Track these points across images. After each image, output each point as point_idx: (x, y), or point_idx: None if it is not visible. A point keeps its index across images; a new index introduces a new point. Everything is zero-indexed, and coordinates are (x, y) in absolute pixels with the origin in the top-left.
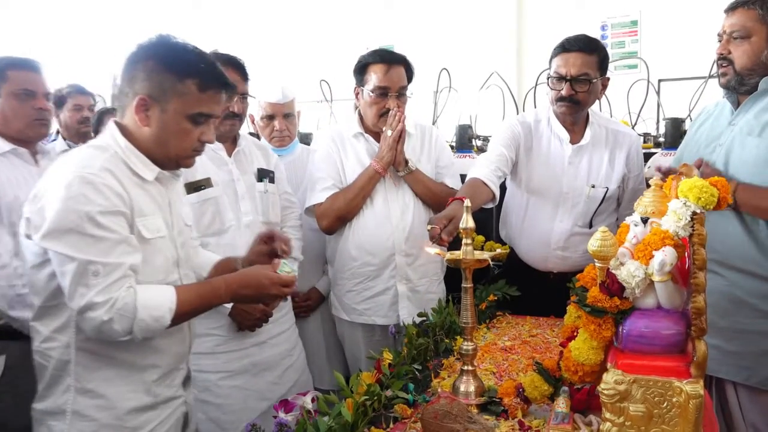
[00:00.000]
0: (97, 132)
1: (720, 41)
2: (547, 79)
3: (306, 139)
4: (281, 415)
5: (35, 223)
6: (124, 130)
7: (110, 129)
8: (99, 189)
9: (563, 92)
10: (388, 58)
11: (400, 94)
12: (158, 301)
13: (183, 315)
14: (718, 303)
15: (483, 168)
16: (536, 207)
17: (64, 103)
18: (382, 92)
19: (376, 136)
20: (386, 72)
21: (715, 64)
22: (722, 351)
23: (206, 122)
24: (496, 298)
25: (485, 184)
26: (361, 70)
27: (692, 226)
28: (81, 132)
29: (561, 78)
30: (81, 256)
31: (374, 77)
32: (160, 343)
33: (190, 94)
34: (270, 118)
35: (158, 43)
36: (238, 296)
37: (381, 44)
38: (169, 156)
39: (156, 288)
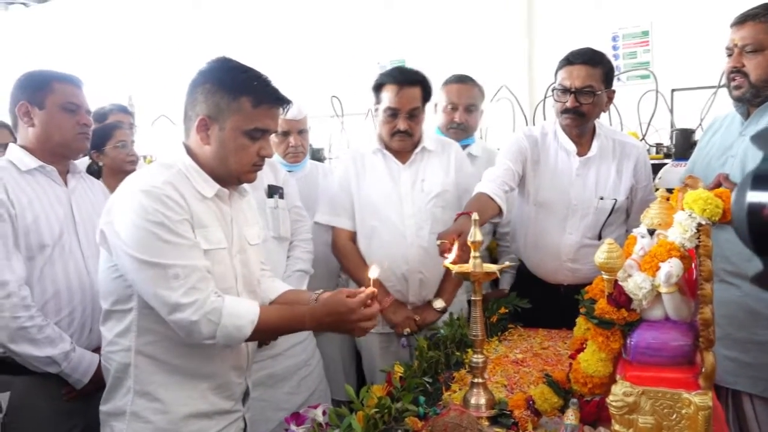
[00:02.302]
0: None
1: (729, 55)
2: (553, 91)
3: (318, 154)
4: (293, 427)
5: (108, 236)
6: (188, 150)
7: (177, 149)
8: (163, 201)
9: (568, 104)
10: (400, 79)
11: (412, 115)
12: (242, 312)
13: (263, 331)
14: (734, 314)
15: (489, 183)
16: (545, 220)
17: (105, 120)
18: (393, 113)
19: (394, 152)
20: (397, 93)
21: (726, 77)
22: (738, 362)
23: (263, 137)
24: (507, 310)
25: (491, 198)
26: (377, 88)
27: (698, 238)
28: None
29: (566, 90)
30: (159, 260)
31: (386, 97)
32: (216, 353)
33: (245, 111)
34: (285, 134)
35: (214, 67)
36: (323, 324)
37: (391, 59)
38: (230, 172)
39: (242, 300)
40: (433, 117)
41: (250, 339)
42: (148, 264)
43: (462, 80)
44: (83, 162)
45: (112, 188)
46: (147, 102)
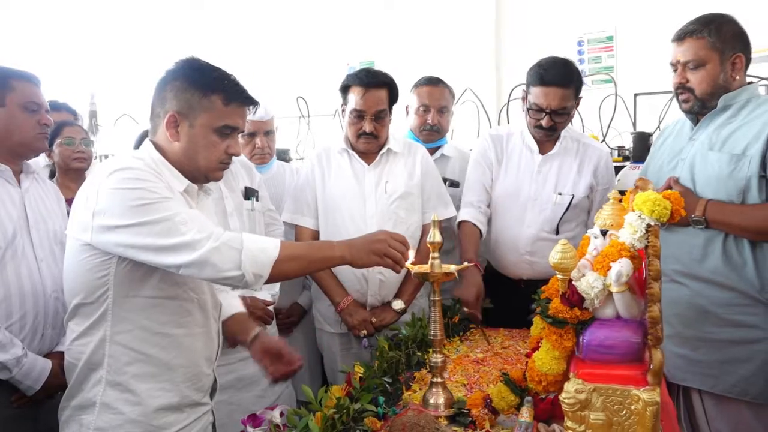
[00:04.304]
0: None
1: (674, 70)
2: (527, 107)
3: (284, 155)
4: (249, 429)
5: (87, 222)
6: (156, 146)
7: (144, 145)
8: (141, 175)
9: (543, 123)
10: (366, 81)
11: (378, 117)
12: (262, 238)
13: (290, 258)
14: (683, 313)
15: (470, 209)
16: (506, 214)
17: None
18: (359, 115)
19: (360, 153)
20: (363, 95)
21: (674, 92)
22: (688, 360)
23: (232, 135)
24: None
25: (475, 225)
26: (344, 90)
27: (647, 238)
28: None
29: (541, 110)
30: (161, 215)
31: (353, 99)
32: (187, 341)
33: (216, 109)
34: (251, 135)
35: (184, 65)
36: (353, 247)
37: (361, 61)
38: (199, 168)
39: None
40: (405, 119)
41: (278, 272)
42: (151, 223)
43: (433, 82)
44: (39, 163)
45: (63, 187)
46: (109, 101)
